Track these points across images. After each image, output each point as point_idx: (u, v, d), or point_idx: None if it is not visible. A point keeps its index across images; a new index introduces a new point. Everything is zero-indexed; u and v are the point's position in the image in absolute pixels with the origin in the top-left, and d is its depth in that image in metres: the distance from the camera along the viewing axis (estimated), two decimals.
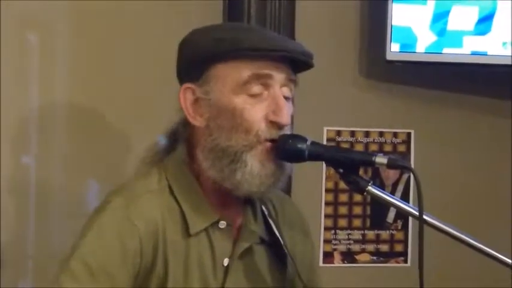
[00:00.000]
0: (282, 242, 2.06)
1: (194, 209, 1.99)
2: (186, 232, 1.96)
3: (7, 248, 2.89)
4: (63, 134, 2.98)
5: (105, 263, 1.90)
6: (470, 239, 1.88)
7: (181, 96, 1.96)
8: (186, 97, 1.96)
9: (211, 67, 1.95)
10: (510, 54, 3.08)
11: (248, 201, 2.02)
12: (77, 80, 2.94)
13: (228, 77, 1.94)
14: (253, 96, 1.92)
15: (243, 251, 2.00)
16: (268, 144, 1.92)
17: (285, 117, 1.90)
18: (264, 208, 2.06)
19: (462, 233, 1.87)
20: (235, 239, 2.01)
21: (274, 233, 2.07)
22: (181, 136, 2.02)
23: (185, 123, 1.99)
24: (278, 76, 1.92)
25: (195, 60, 1.97)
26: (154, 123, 2.10)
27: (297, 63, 1.98)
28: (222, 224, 1.98)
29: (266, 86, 1.91)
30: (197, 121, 1.95)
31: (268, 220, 2.07)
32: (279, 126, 1.91)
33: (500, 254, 1.89)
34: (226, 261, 2.01)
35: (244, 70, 1.92)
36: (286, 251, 2.06)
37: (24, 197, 2.94)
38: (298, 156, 1.93)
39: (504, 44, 3.06)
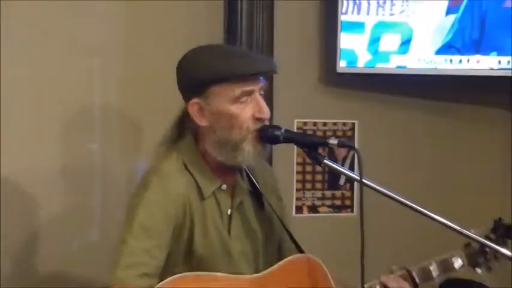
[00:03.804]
0: (259, 188, 2.08)
1: (204, 179, 1.99)
2: (201, 196, 1.98)
3: (81, 217, 2.85)
4: (119, 126, 2.93)
5: (158, 226, 1.93)
6: (400, 196, 1.88)
7: (190, 108, 1.96)
8: (193, 108, 1.95)
9: (210, 87, 1.93)
10: (423, 67, 3.09)
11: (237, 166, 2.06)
12: (128, 86, 2.92)
13: (224, 94, 1.93)
14: (242, 102, 1.93)
15: (238, 202, 2.04)
16: (255, 132, 1.94)
17: (266, 114, 1.94)
18: (246, 168, 2.08)
19: (392, 192, 1.87)
20: (232, 194, 2.04)
21: (255, 184, 2.09)
22: (188, 127, 2.02)
23: (189, 119, 2.00)
24: (257, 87, 1.95)
25: (197, 82, 1.96)
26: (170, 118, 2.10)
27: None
28: (224, 187, 2.02)
29: (249, 94, 1.94)
30: (202, 122, 1.96)
31: (250, 176, 2.08)
32: (263, 120, 1.94)
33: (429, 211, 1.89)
34: (229, 211, 2.04)
35: (235, 89, 1.92)
36: (262, 193, 2.08)
37: (90, 176, 2.88)
38: (275, 140, 1.96)
39: (419, 59, 3.08)
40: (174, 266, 1.93)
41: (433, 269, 2.06)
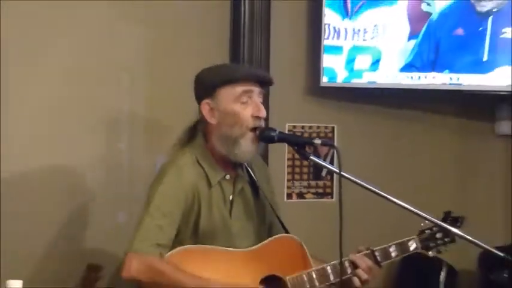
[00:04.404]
0: (256, 180, 2.14)
1: (212, 170, 2.06)
2: (209, 185, 2.05)
3: (112, 202, 2.83)
4: (142, 128, 2.93)
5: (170, 208, 1.98)
6: (370, 185, 1.92)
7: (202, 107, 2.05)
8: (205, 107, 2.05)
9: (217, 90, 2.02)
10: (390, 82, 3.11)
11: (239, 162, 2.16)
12: (151, 96, 2.93)
13: (229, 94, 2.01)
14: (243, 103, 2.01)
15: (239, 190, 2.11)
16: (253, 132, 1.99)
17: (263, 113, 2.02)
18: (246, 164, 2.14)
19: (365, 182, 1.91)
20: (234, 184, 2.10)
21: (252, 176, 2.15)
22: (200, 129, 2.10)
23: (201, 122, 2.08)
24: (256, 90, 2.04)
25: (208, 85, 2.04)
26: (186, 122, 2.17)
27: (263, 83, 2.10)
28: (227, 177, 2.09)
29: (249, 97, 2.02)
30: (212, 120, 2.04)
31: (248, 170, 2.15)
32: (260, 118, 2.01)
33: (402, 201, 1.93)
34: (230, 197, 2.09)
35: (237, 89, 2.00)
36: (258, 185, 2.15)
37: (118, 169, 2.89)
38: (271, 140, 2.04)
39: (386, 76, 3.12)
40: (183, 240, 2.00)
41: (393, 250, 2.08)
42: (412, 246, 2.09)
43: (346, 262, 2.03)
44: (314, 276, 2.01)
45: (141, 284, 1.91)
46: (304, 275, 2.01)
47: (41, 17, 2.71)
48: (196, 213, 2.01)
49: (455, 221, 2.09)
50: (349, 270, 2.02)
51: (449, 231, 2.04)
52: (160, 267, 1.88)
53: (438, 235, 2.10)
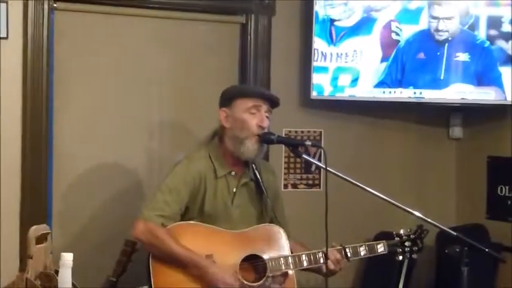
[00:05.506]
0: (260, 180, 2.19)
1: (220, 166, 2.16)
2: (216, 176, 2.14)
3: (144, 190, 2.85)
4: (169, 130, 2.95)
5: (178, 187, 2.06)
6: (350, 178, 1.93)
7: (220, 113, 2.16)
8: (222, 114, 2.17)
9: (234, 101, 2.11)
10: (366, 96, 3.05)
11: (246, 162, 2.19)
12: (177, 103, 2.94)
13: (242, 106, 2.10)
14: (252, 114, 2.11)
15: (242, 184, 2.19)
16: (257, 136, 2.09)
17: (265, 124, 2.12)
18: (253, 164, 2.22)
19: (345, 175, 1.93)
20: (239, 179, 2.18)
21: (257, 176, 2.21)
22: (218, 134, 2.21)
23: (221, 128, 2.19)
24: (264, 106, 2.14)
25: (227, 97, 2.16)
26: (209, 127, 2.32)
27: (272, 103, 2.17)
28: (233, 173, 2.19)
29: (258, 110, 2.14)
30: (226, 124, 2.16)
31: (254, 170, 2.21)
32: (263, 128, 2.10)
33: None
34: (234, 189, 2.16)
35: (248, 103, 2.10)
36: (262, 185, 2.20)
37: (152, 163, 2.91)
38: (271, 141, 2.11)
39: (363, 91, 3.10)
40: (190, 219, 2.08)
41: (362, 250, 2.08)
42: (380, 249, 2.07)
43: (319, 253, 2.04)
44: (290, 261, 2.04)
45: (142, 244, 2.00)
46: (281, 259, 2.03)
47: (91, 42, 2.80)
48: (202, 196, 2.09)
49: (422, 232, 2.05)
50: (321, 260, 2.02)
51: (420, 240, 1.98)
52: (158, 233, 1.95)
53: (407, 243, 2.04)
